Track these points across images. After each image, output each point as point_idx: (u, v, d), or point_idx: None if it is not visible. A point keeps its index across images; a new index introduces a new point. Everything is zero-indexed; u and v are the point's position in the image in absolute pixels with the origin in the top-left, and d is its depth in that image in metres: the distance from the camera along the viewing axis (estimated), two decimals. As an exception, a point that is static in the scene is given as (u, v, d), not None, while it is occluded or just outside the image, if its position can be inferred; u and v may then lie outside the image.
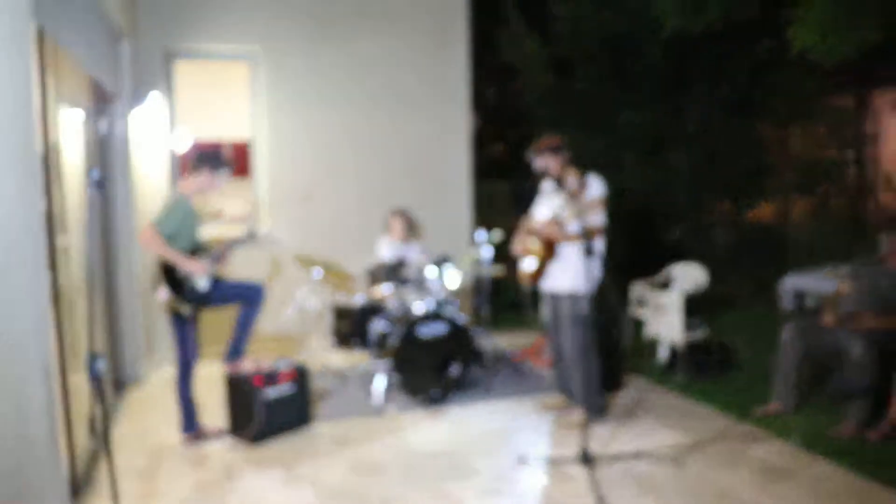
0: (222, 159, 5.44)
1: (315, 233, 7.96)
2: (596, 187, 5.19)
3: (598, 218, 5.21)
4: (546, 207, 5.47)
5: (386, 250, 7.16)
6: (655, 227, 11.11)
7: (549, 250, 5.35)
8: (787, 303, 6.98)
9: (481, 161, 10.14)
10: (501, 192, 13.23)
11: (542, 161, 5.44)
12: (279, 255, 7.82)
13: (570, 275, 5.41)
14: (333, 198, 8.01)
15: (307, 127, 7.94)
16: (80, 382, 4.82)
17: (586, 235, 4.77)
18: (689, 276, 7.35)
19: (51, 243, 4.16)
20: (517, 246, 5.56)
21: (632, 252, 10.32)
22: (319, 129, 7.96)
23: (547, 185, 5.53)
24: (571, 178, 5.08)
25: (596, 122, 10.34)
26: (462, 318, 6.39)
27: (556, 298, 5.57)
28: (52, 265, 4.20)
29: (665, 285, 7.56)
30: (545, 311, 5.68)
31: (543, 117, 10.57)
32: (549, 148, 5.45)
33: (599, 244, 5.34)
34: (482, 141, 12.18)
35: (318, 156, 8.00)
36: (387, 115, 8.18)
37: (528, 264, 5.49)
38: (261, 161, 7.89)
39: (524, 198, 5.92)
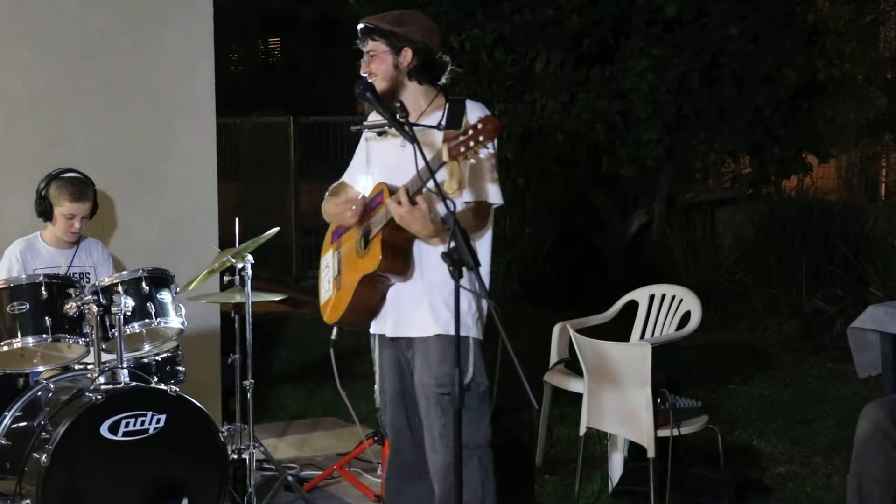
0: None
1: None
2: (486, 130, 3.53)
3: (492, 193, 3.88)
4: (385, 166, 3.97)
5: (23, 260, 4.79)
6: (602, 209, 9.79)
7: (391, 254, 3.79)
8: (865, 361, 5.11)
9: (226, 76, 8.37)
10: (280, 139, 11.80)
11: (379, 65, 3.88)
12: None
13: (438, 305, 3.87)
14: None
15: None
16: None
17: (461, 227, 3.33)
18: (668, 309, 5.73)
19: None
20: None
21: (556, 261, 9.36)
22: None
23: (378, 120, 3.98)
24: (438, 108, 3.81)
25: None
26: (192, 399, 4.44)
27: (404, 352, 4.05)
28: None
29: (618, 328, 5.82)
30: (379, 382, 4.16)
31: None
32: (393, 31, 3.85)
33: (486, 246, 3.94)
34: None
35: None
36: None
37: (331, 280, 4.07)
38: None
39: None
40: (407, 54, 3.84)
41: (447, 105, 3.77)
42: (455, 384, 3.45)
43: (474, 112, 3.84)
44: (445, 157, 3.49)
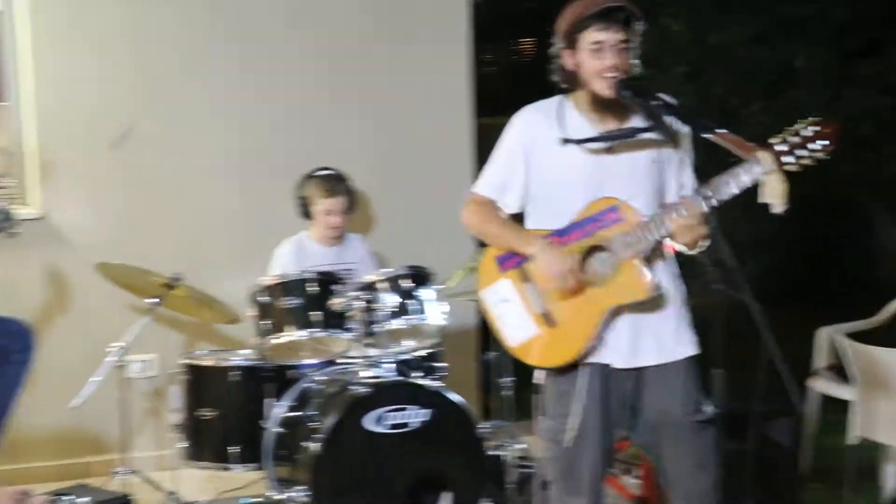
0: None
1: (146, 220, 5.53)
2: (827, 134, 3.12)
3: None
4: (592, 179, 3.37)
5: (294, 258, 4.88)
6: (869, 208, 9.56)
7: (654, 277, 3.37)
8: None
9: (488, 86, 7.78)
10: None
11: (626, 59, 3.23)
12: (64, 265, 5.44)
13: (681, 325, 3.46)
14: (185, 146, 5.52)
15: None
16: None
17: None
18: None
19: None
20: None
21: (818, 262, 9.15)
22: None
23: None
24: None
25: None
26: (456, 395, 4.50)
27: (621, 382, 3.49)
28: None
29: (885, 334, 5.54)
30: (582, 417, 3.48)
31: None
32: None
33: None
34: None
35: (154, 57, 5.49)
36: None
37: (526, 315, 3.45)
38: (24, 65, 5.41)
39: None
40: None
41: (645, 104, 3.28)
42: (704, 403, 3.40)
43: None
44: (769, 167, 3.04)
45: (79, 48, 5.44)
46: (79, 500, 4.28)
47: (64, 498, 4.17)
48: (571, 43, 3.14)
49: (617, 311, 3.39)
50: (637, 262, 3.35)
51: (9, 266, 5.56)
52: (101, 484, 4.37)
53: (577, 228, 3.31)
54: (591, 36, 3.06)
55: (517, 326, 3.53)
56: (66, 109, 5.70)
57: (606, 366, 3.44)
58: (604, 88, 3.06)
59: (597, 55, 3.07)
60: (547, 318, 3.45)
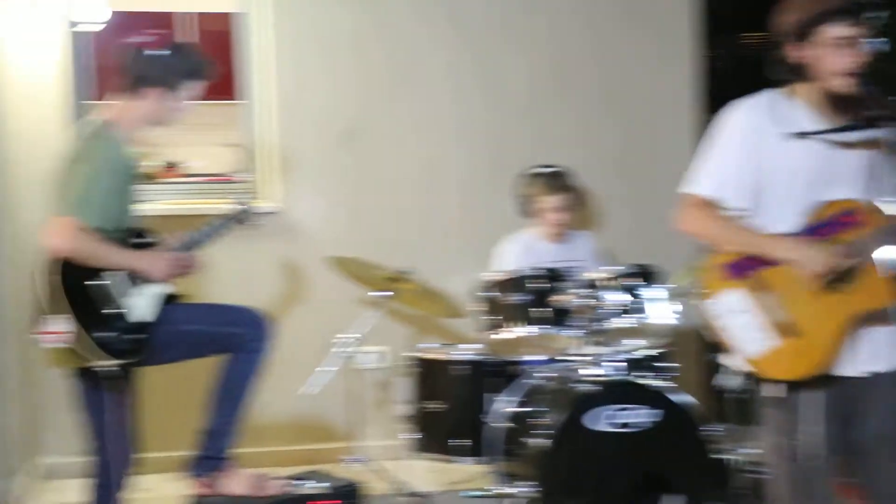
0: (190, 60, 4.03)
1: (372, 215, 5.65)
2: None
3: None
4: (821, 177, 3.22)
5: (519, 254, 4.89)
6: None
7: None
8: None
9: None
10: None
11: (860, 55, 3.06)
12: (299, 258, 5.63)
13: None
14: (414, 143, 5.62)
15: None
16: None
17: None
18: None
19: None
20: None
21: None
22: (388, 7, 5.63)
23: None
24: None
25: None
26: (684, 396, 4.43)
27: (841, 393, 3.28)
28: None
29: None
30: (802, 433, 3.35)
31: None
32: None
33: None
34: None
35: (382, 59, 5.61)
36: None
37: (763, 327, 3.23)
38: (262, 65, 5.61)
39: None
40: None
41: (883, 99, 3.09)
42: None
43: None
44: None
45: (314, 50, 5.68)
46: (311, 484, 4.40)
47: (299, 482, 4.31)
48: (804, 36, 2.96)
49: (861, 319, 3.23)
50: (879, 266, 3.16)
51: (248, 258, 5.77)
52: (332, 471, 4.44)
53: (817, 230, 3.14)
54: (835, 31, 2.92)
55: (753, 338, 3.35)
56: (303, 107, 5.89)
57: (838, 377, 3.29)
58: (844, 85, 2.88)
59: (840, 51, 2.91)
60: (789, 329, 3.28)
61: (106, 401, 3.99)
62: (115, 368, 3.91)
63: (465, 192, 5.43)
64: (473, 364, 4.56)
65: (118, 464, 4.11)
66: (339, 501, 4.04)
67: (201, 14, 7.18)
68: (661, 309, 4.50)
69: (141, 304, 3.94)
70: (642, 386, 4.35)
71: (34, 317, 3.91)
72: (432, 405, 4.63)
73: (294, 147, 5.69)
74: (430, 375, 4.72)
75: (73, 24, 5.49)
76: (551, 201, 4.79)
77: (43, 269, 3.86)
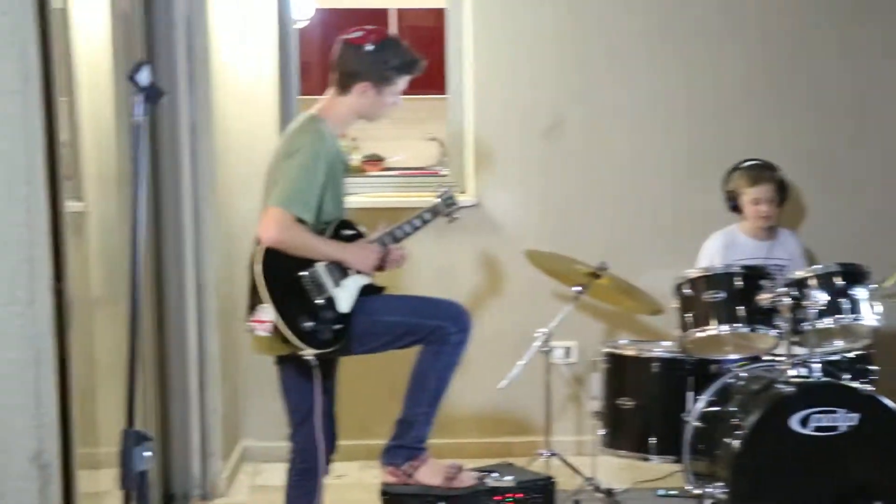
0: (400, 55, 4.03)
1: (572, 210, 5.57)
2: None
3: None
4: None
5: (722, 250, 4.86)
6: None
7: None
8: None
9: None
10: None
11: None
12: (496, 251, 5.60)
13: None
14: (613, 138, 5.51)
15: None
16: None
17: None
18: None
19: (55, 216, 3.31)
20: None
21: None
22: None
23: None
24: None
25: None
26: (888, 400, 4.31)
27: None
28: (58, 261, 3.36)
29: None
30: None
31: None
32: None
33: None
34: None
35: (584, 51, 5.54)
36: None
37: None
38: (467, 59, 5.55)
39: None
40: None
41: None
42: None
43: None
44: None
45: (514, 44, 5.65)
46: (504, 478, 4.43)
47: (491, 475, 4.35)
48: None
49: None
50: None
51: (448, 251, 5.81)
52: (523, 465, 4.47)
53: None
54: None
55: None
56: (501, 101, 5.86)
57: None
58: None
59: None
60: None
61: (309, 388, 4.08)
62: (318, 357, 4.00)
63: (667, 187, 5.38)
64: (669, 361, 4.50)
65: (319, 450, 4.18)
66: (527, 495, 4.07)
67: (400, 10, 7.32)
68: (863, 310, 4.39)
69: (345, 295, 4.02)
70: (845, 388, 4.24)
71: (247, 305, 4.03)
72: (626, 402, 4.60)
73: (494, 140, 5.71)
74: (624, 372, 4.70)
75: (290, 22, 5.61)
76: (754, 192, 4.73)
77: (255, 260, 3.98)
